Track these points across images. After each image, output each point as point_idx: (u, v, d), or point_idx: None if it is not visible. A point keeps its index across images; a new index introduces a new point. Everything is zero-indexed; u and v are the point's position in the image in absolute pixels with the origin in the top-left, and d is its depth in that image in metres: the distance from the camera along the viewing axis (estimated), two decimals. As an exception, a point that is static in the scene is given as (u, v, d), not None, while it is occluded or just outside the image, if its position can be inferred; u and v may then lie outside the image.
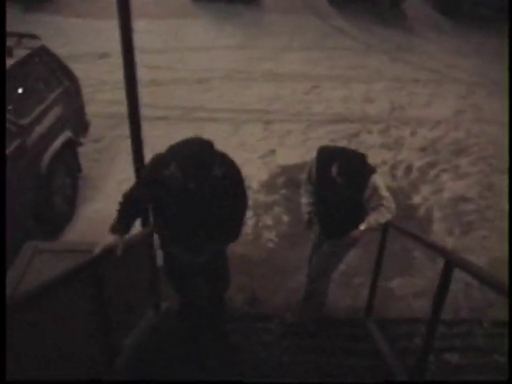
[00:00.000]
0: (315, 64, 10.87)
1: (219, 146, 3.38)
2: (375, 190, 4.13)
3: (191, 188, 3.23)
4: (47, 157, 5.87)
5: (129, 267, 4.11)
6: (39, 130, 5.82)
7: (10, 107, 5.51)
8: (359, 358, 4.41)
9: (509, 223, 6.54)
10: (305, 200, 4.71)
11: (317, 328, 4.97)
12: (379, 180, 4.20)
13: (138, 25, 13.03)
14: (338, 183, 4.13)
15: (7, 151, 5.30)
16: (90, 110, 7.63)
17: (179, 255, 3.83)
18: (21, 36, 6.11)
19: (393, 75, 10.36)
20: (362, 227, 4.21)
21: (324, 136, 8.49)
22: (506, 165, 7.50)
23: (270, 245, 6.48)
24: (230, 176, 3.43)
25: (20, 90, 5.76)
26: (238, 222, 3.82)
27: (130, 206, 3.51)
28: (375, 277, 4.99)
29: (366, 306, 5.16)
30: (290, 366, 4.28)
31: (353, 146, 8.38)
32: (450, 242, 6.44)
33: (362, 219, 4.26)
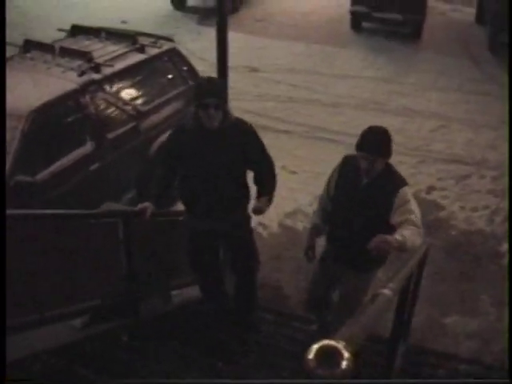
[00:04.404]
0: (451, 106, 10.85)
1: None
2: (405, 201, 3.76)
3: (203, 117, 3.76)
4: (157, 143, 6.63)
5: (170, 239, 4.77)
6: (155, 118, 6.65)
7: (133, 94, 6.46)
8: (369, 368, 4.63)
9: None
10: (314, 220, 4.37)
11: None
12: (410, 194, 3.89)
13: (295, 47, 13.98)
14: (365, 189, 3.84)
15: (123, 130, 6.24)
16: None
17: (201, 226, 4.13)
18: (158, 38, 7.07)
19: (528, 126, 10.06)
20: (398, 237, 3.42)
21: (434, 173, 8.58)
22: None
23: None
24: (244, 128, 4.01)
25: (145, 82, 6.69)
26: (266, 182, 4.19)
27: (160, 175, 4.19)
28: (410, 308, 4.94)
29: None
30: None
31: (459, 188, 8.39)
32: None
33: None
